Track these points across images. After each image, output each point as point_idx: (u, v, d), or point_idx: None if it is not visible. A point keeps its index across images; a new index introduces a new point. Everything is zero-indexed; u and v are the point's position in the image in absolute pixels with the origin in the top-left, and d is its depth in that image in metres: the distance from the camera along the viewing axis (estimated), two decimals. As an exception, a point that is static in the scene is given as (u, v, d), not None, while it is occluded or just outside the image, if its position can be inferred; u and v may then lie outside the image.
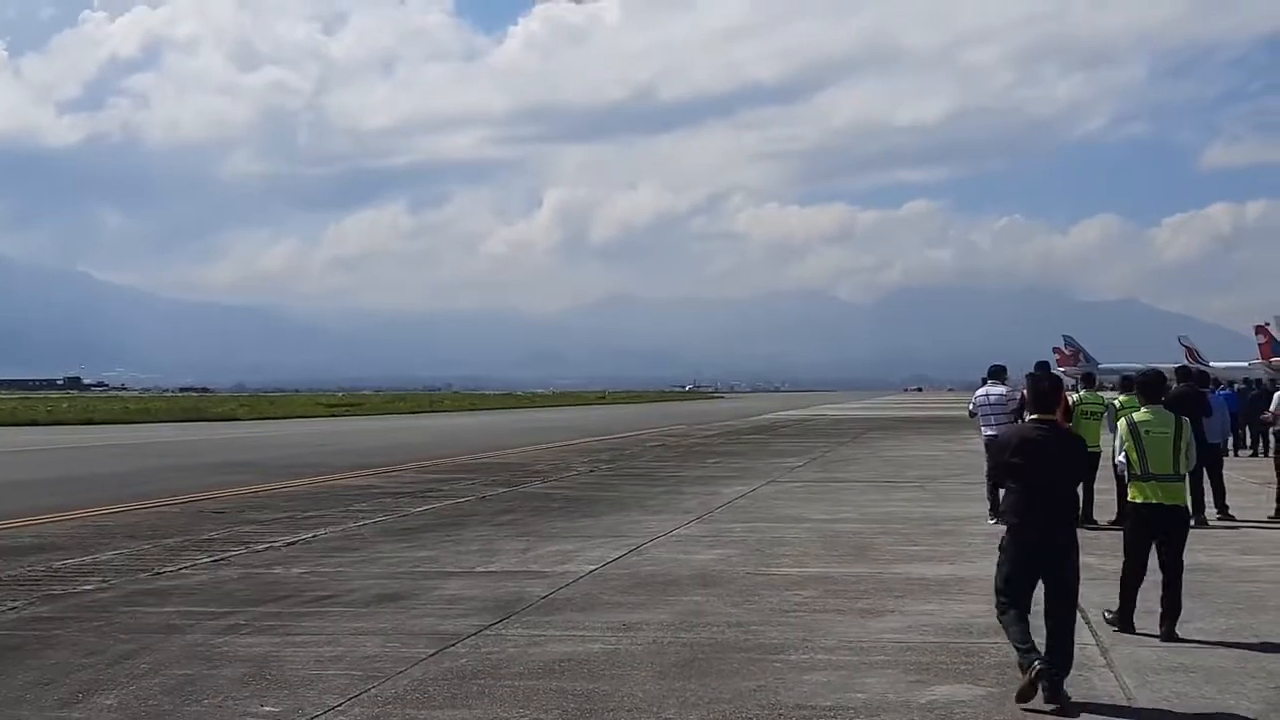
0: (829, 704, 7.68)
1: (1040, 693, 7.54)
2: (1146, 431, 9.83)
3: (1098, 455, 17.42)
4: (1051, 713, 7.49)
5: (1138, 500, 9.83)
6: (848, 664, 8.74)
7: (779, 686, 8.11)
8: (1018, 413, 17.15)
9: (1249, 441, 34.67)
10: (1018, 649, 7.81)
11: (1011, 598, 8.00)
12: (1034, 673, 7.54)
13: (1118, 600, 9.97)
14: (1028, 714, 7.45)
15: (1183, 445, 9.79)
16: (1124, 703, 7.73)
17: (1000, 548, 8.25)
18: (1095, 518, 17.21)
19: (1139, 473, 9.77)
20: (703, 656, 9.01)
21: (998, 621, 8.15)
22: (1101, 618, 10.13)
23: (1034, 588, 8.04)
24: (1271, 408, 18.20)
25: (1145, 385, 10.43)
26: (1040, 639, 7.82)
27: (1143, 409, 10.20)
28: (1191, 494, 17.10)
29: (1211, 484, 17.97)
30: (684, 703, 7.74)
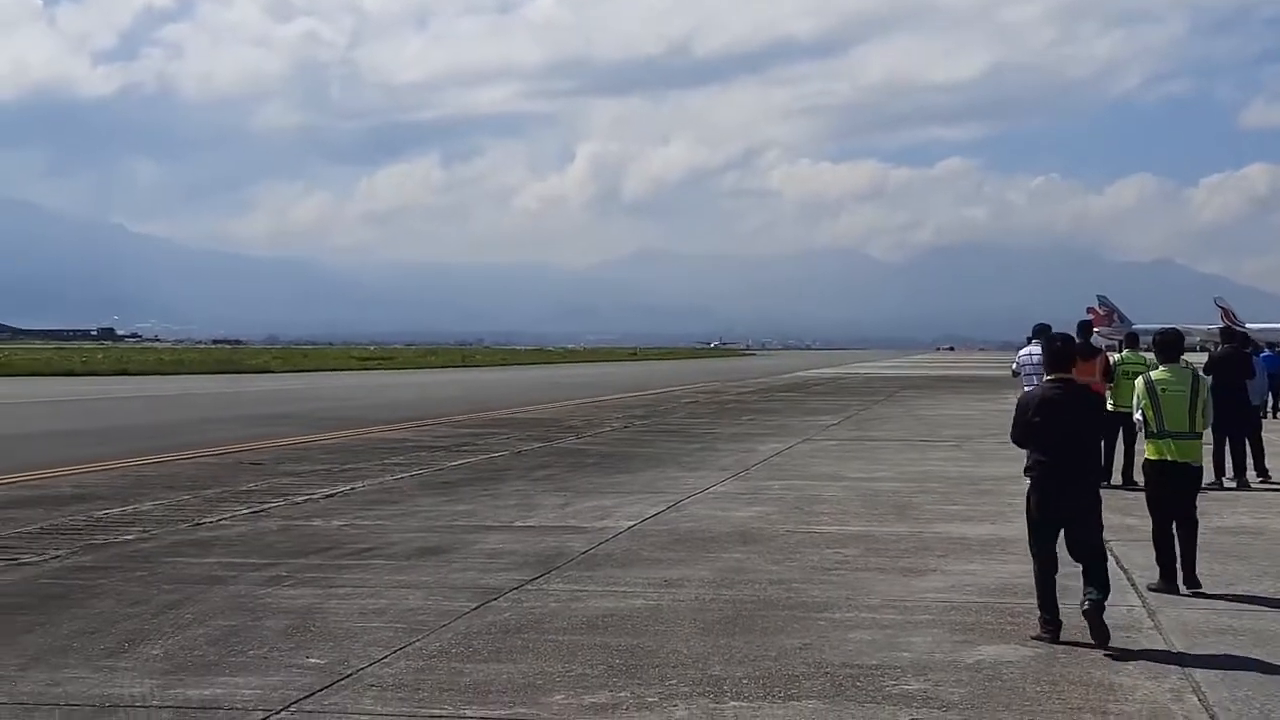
0: (875, 663, 7.63)
1: (1092, 631, 8.09)
2: (1163, 390, 9.93)
3: (1139, 416, 17.27)
4: (1097, 647, 7.94)
5: (1153, 457, 9.97)
6: (892, 623, 8.70)
7: (824, 644, 8.08)
8: None
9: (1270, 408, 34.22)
10: (1040, 610, 8.35)
11: (1036, 551, 8.54)
12: (1045, 627, 8.24)
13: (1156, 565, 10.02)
14: (1074, 675, 7.40)
15: (1200, 404, 9.90)
16: (1175, 664, 7.67)
17: (1026, 499, 8.68)
18: (1136, 478, 17.09)
19: (1155, 430, 9.89)
20: (745, 613, 8.98)
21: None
22: (1146, 585, 10.07)
23: (1055, 540, 8.47)
24: None
25: (1163, 345, 10.56)
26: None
27: (1161, 367, 10.35)
28: (1232, 456, 17.08)
29: (1251, 447, 17.81)
30: (729, 659, 7.71)
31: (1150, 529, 10.12)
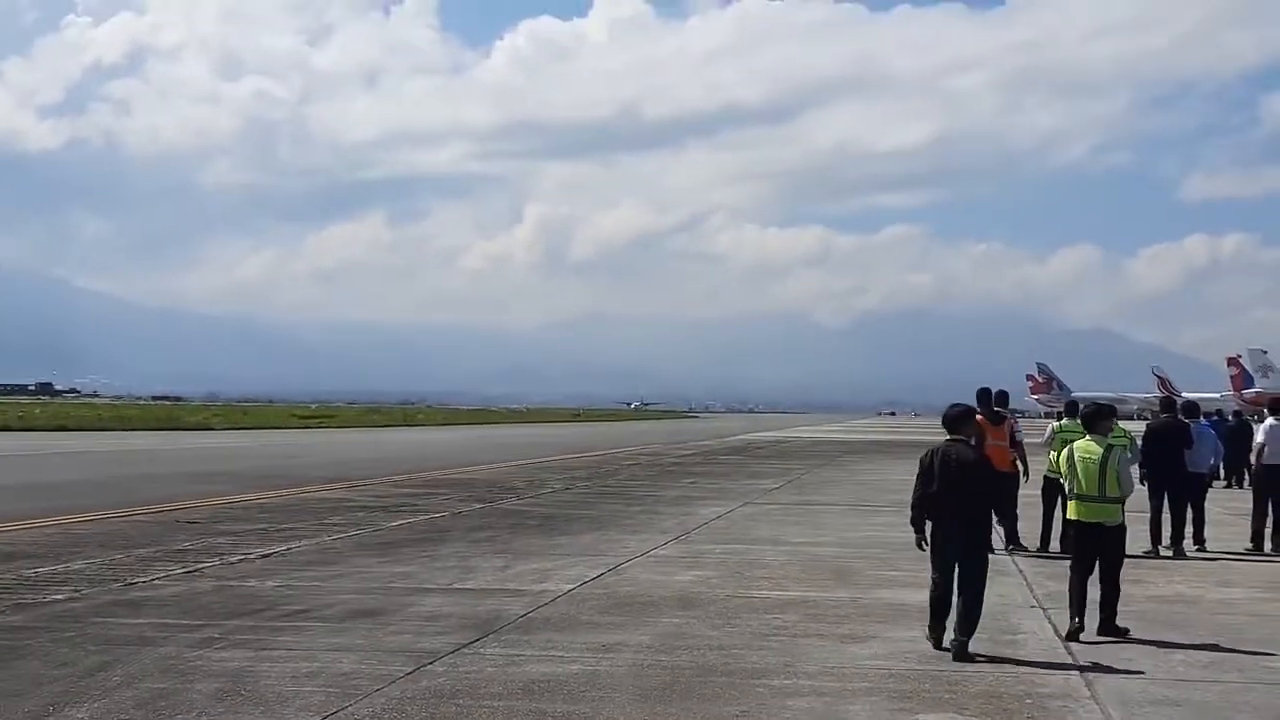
0: (813, 731, 7.58)
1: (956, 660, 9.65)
2: (1081, 458, 11.19)
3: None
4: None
5: (1071, 516, 11.37)
6: (831, 690, 8.65)
7: (762, 712, 8.02)
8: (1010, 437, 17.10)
9: (1222, 474, 34.63)
10: (933, 617, 10.17)
11: (935, 576, 10.31)
12: (933, 635, 10.10)
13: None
14: (1013, 745, 7.37)
15: (1109, 471, 11.04)
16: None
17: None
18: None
19: (1069, 490, 11.32)
20: (684, 679, 8.91)
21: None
22: (1074, 640, 10.42)
23: (954, 574, 10.13)
24: (1258, 439, 18.16)
25: (1087, 417, 11.90)
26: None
27: (1085, 438, 11.52)
28: (1172, 525, 17.18)
29: (1193, 515, 17.90)
30: (666, 727, 7.63)
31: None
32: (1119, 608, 10.98)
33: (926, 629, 10.25)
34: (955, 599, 10.05)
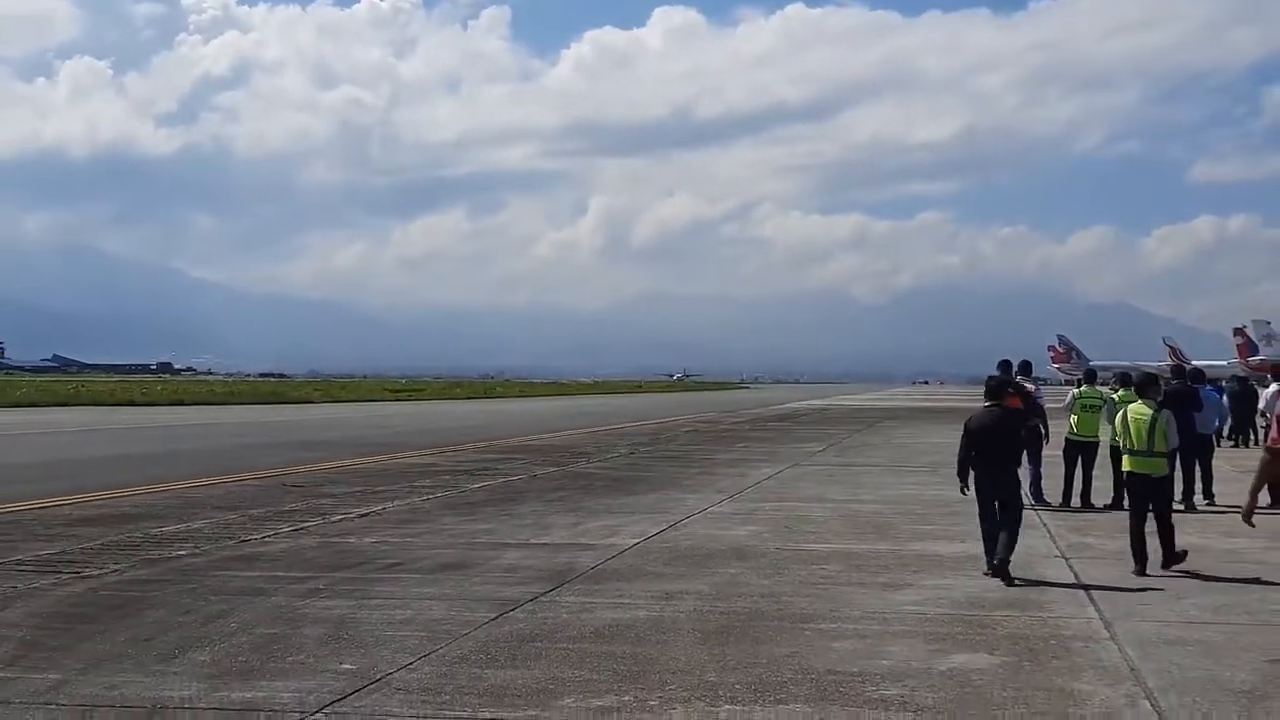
0: (856, 670, 7.58)
1: (999, 577, 10.71)
2: (1134, 419, 11.82)
3: (1095, 445, 17.22)
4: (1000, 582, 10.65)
5: (1125, 469, 12.01)
6: (872, 633, 8.64)
7: (810, 653, 8.02)
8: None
9: (1230, 434, 34.18)
10: (986, 552, 11.13)
11: (982, 518, 11.32)
12: (992, 566, 10.92)
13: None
14: (1037, 682, 7.34)
15: (1157, 430, 11.68)
16: (1129, 672, 7.61)
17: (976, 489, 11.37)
18: (1093, 500, 17.02)
19: (1125, 447, 11.90)
20: (739, 624, 8.93)
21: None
22: (1105, 590, 10.25)
23: (995, 514, 11.18)
24: (1261, 405, 17.93)
25: (1140, 385, 12.63)
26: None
27: (1137, 401, 12.21)
28: (1183, 481, 16.98)
29: (1201, 472, 17.74)
30: (723, 666, 7.66)
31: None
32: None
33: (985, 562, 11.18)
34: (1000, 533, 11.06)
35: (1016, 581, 10.64)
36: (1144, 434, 11.67)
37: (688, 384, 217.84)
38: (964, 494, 11.57)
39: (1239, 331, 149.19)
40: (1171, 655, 8.04)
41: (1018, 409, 13.41)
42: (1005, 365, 17.29)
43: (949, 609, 9.56)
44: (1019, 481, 11.55)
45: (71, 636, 8.51)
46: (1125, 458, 11.93)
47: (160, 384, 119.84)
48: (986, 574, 10.93)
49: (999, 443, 11.35)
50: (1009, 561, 10.84)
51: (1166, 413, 11.89)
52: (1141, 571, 11.20)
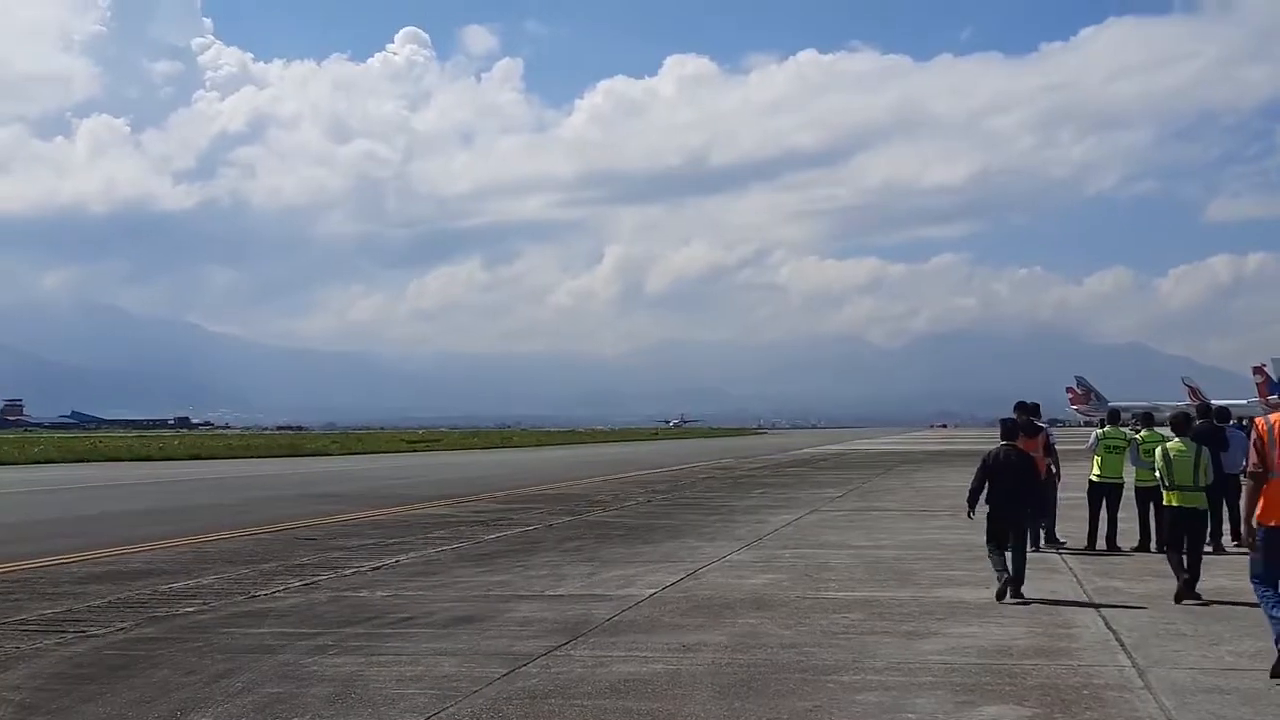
0: (881, 724, 7.30)
1: (1008, 594, 11.97)
2: (1175, 456, 12.34)
3: (1120, 486, 16.92)
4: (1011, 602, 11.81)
5: (1171, 504, 12.39)
6: (897, 684, 8.35)
7: (833, 706, 7.74)
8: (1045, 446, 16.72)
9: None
10: (995, 571, 12.26)
11: (994, 545, 12.35)
12: (1002, 582, 12.05)
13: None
14: (1073, 735, 7.05)
15: (1200, 465, 12.26)
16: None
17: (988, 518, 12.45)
18: (1119, 543, 16.69)
19: (1168, 483, 12.35)
20: (759, 677, 8.65)
21: (989, 557, 12.47)
22: (1136, 636, 9.86)
23: (1007, 539, 12.31)
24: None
25: (1174, 423, 13.51)
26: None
27: (1175, 439, 12.76)
28: (1210, 521, 16.63)
29: (1229, 512, 17.37)
30: (743, 722, 7.38)
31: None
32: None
33: (996, 581, 12.22)
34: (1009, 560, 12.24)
35: (1030, 601, 11.88)
36: (1189, 469, 12.18)
37: (689, 430, 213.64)
38: (970, 516, 12.56)
39: (1258, 370, 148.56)
40: (1209, 704, 7.74)
41: (1030, 454, 13.67)
42: (1020, 407, 17.07)
43: (976, 658, 9.27)
44: (1026, 518, 12.84)
45: (72, 698, 8.28)
46: (1168, 493, 12.35)
47: (177, 439, 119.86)
48: (999, 578, 12.13)
49: (1011, 476, 12.34)
50: (1020, 582, 12.10)
51: (1205, 449, 12.41)
52: (1187, 594, 11.81)
